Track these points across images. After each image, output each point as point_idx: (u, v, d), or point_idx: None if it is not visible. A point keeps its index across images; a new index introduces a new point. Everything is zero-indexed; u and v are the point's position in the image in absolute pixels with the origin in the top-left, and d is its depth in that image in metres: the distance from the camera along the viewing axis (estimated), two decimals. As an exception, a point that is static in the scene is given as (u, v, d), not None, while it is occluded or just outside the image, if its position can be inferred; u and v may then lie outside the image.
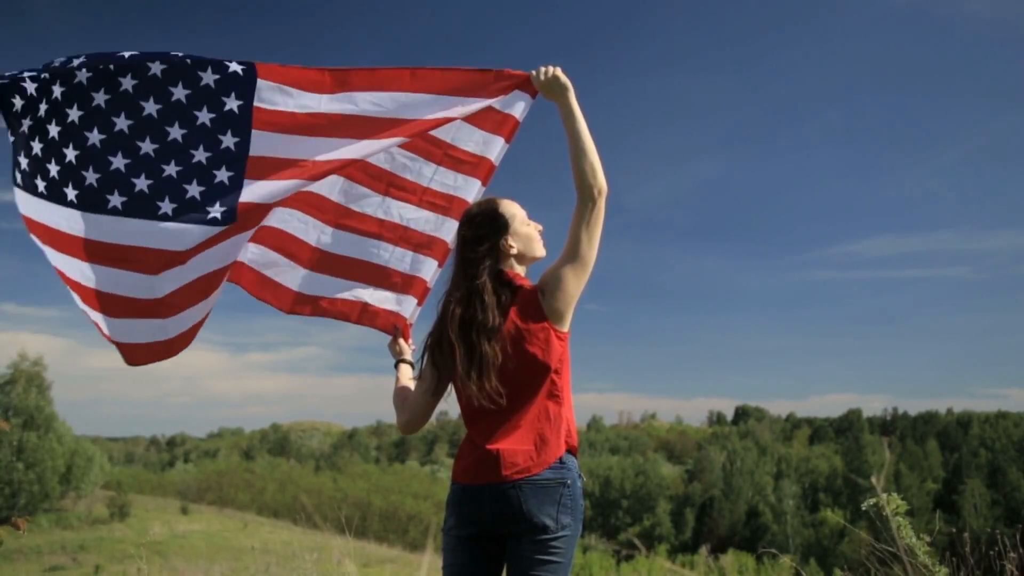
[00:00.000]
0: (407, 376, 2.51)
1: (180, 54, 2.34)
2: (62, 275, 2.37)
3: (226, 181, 2.31)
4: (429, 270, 2.81)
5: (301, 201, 2.66)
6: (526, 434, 1.96)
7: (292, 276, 2.74)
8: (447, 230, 2.74)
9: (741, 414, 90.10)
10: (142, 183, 2.29)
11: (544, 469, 1.94)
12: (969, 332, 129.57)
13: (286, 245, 2.71)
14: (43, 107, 2.30)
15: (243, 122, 2.35)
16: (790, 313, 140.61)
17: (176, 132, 2.33)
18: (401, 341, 2.72)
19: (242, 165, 2.32)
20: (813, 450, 58.75)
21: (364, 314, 2.80)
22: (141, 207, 2.29)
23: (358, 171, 2.66)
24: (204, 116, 2.33)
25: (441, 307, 2.13)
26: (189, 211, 2.29)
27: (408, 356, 2.63)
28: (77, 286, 2.37)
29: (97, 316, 2.41)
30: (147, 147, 2.31)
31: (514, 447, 1.94)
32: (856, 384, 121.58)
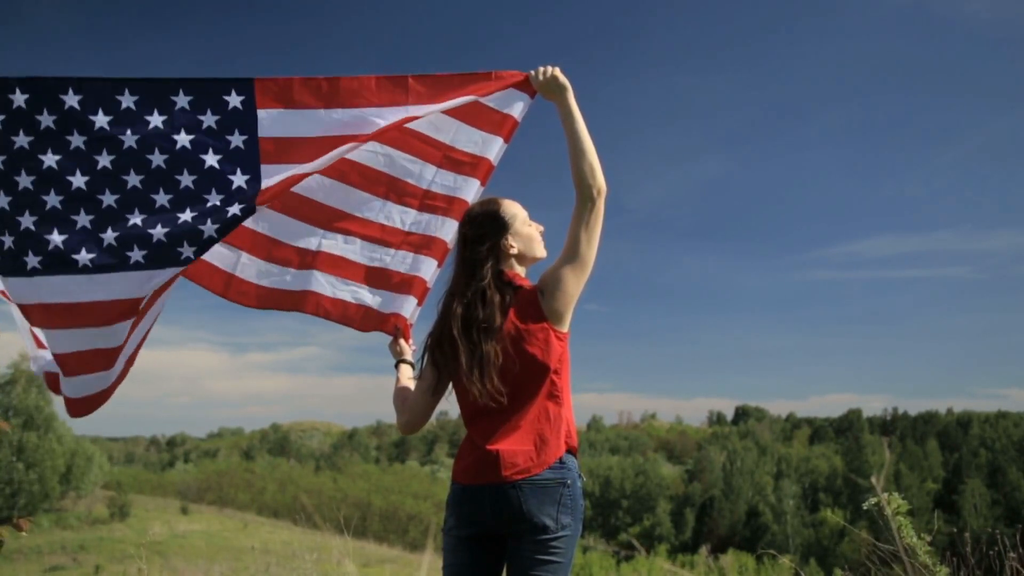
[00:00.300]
0: (407, 376, 2.50)
1: (177, 99, 2.28)
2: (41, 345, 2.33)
3: (239, 213, 2.29)
4: (429, 270, 2.80)
5: (296, 208, 2.65)
6: (526, 434, 1.96)
7: (290, 280, 2.72)
8: (447, 230, 2.73)
9: (741, 414, 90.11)
10: (159, 233, 2.24)
11: (544, 469, 1.94)
12: (969, 332, 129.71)
13: (279, 253, 2.69)
14: (32, 179, 2.21)
15: (251, 158, 2.34)
16: (790, 313, 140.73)
17: (187, 179, 2.29)
18: (401, 341, 2.71)
19: (253, 200, 2.31)
20: (813, 450, 58.78)
21: (367, 320, 2.79)
22: (163, 256, 2.25)
23: (356, 175, 2.64)
24: (211, 159, 2.31)
25: (442, 306, 2.13)
26: (207, 247, 2.28)
27: (408, 356, 2.63)
28: (65, 357, 2.33)
29: (79, 380, 2.39)
30: (161, 199, 2.28)
31: (514, 447, 1.94)
32: (856, 384, 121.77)
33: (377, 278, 2.77)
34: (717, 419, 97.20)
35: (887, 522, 2.41)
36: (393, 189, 2.68)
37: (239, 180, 2.32)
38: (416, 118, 2.44)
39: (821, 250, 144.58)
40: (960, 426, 61.56)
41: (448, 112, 2.54)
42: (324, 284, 2.74)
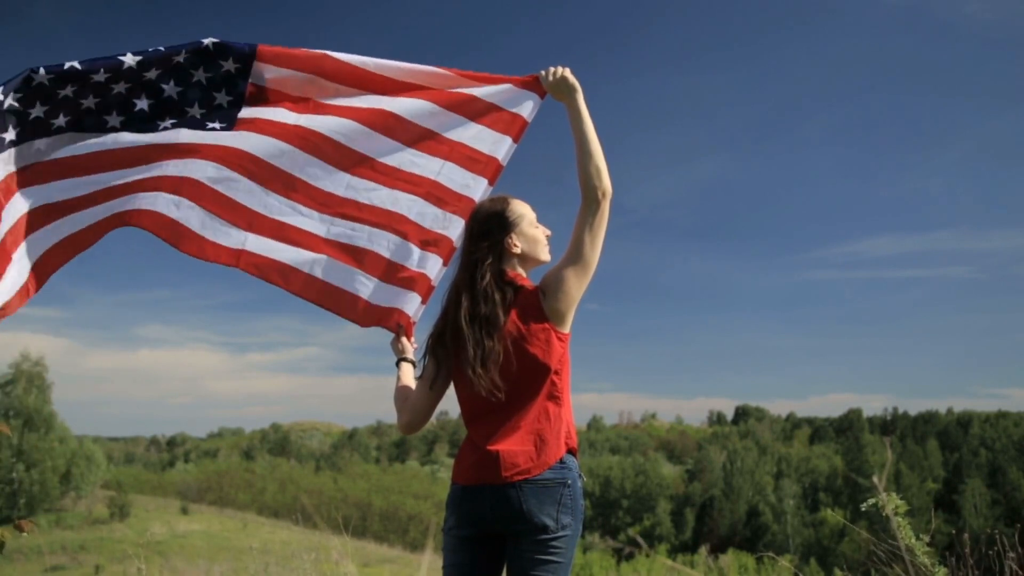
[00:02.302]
0: (408, 375, 2.50)
1: (178, 58, 2.42)
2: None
3: (224, 104, 2.47)
4: (434, 268, 2.78)
5: (303, 195, 2.66)
6: (526, 435, 1.97)
7: (296, 258, 2.70)
8: (453, 228, 2.71)
9: (741, 414, 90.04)
10: (143, 103, 2.42)
11: (544, 470, 1.94)
12: (969, 332, 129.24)
13: (288, 234, 2.69)
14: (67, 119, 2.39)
15: (233, 111, 2.50)
16: (790, 313, 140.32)
17: (167, 122, 2.48)
18: (404, 339, 2.68)
19: (234, 118, 2.49)
20: (813, 450, 58.78)
21: (368, 314, 2.77)
22: (141, 125, 2.44)
23: (365, 168, 2.66)
24: (194, 111, 2.48)
25: (445, 302, 2.14)
26: (189, 124, 2.45)
27: (410, 355, 2.61)
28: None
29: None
30: (142, 104, 2.45)
31: (514, 448, 1.95)
32: (856, 384, 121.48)
33: (379, 266, 2.73)
34: (717, 419, 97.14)
35: (886, 522, 2.41)
36: (400, 179, 2.68)
37: (222, 99, 2.52)
38: (418, 89, 2.58)
39: (821, 250, 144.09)
40: (960, 426, 61.55)
41: (460, 112, 2.58)
42: (325, 267, 2.71)
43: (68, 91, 2.35)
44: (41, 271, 2.42)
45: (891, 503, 2.36)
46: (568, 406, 2.05)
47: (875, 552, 2.75)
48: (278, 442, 79.18)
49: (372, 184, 2.68)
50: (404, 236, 2.72)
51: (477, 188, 2.67)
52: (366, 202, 2.68)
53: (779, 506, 42.83)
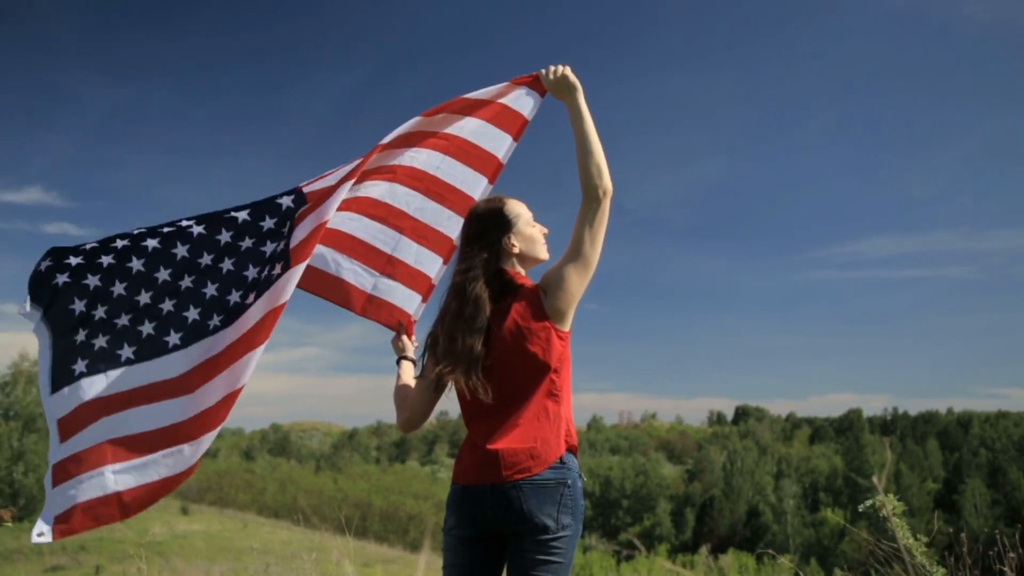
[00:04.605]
0: (408, 374, 2.50)
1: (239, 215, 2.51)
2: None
3: (271, 275, 2.43)
4: (434, 266, 2.77)
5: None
6: (526, 434, 1.97)
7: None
8: (453, 226, 2.70)
9: (741, 414, 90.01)
10: (193, 314, 2.42)
11: (544, 469, 1.94)
12: (969, 332, 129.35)
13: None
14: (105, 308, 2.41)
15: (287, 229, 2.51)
16: (790, 313, 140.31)
17: (227, 264, 2.49)
18: (404, 338, 2.67)
19: (286, 258, 2.44)
20: (813, 450, 58.80)
21: (369, 305, 2.72)
22: (197, 333, 2.41)
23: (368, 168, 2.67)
24: (269, 247, 2.50)
25: (442, 303, 2.14)
26: (232, 314, 2.41)
27: (410, 353, 2.61)
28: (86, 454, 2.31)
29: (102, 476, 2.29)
30: (210, 290, 2.46)
31: (514, 447, 1.95)
32: (856, 384, 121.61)
33: (379, 261, 2.71)
34: (717, 419, 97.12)
35: (885, 522, 2.41)
36: (399, 172, 2.67)
37: (271, 248, 2.51)
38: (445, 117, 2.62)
39: (821, 250, 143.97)
40: (960, 426, 61.57)
41: (461, 112, 2.60)
42: (328, 261, 2.67)
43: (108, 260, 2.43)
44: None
45: (889, 504, 2.36)
46: (568, 404, 2.06)
47: (875, 552, 2.76)
48: (278, 442, 79.12)
49: (373, 181, 2.67)
50: (401, 231, 2.70)
51: (477, 186, 2.66)
52: (363, 194, 2.66)
53: (779, 506, 42.83)
